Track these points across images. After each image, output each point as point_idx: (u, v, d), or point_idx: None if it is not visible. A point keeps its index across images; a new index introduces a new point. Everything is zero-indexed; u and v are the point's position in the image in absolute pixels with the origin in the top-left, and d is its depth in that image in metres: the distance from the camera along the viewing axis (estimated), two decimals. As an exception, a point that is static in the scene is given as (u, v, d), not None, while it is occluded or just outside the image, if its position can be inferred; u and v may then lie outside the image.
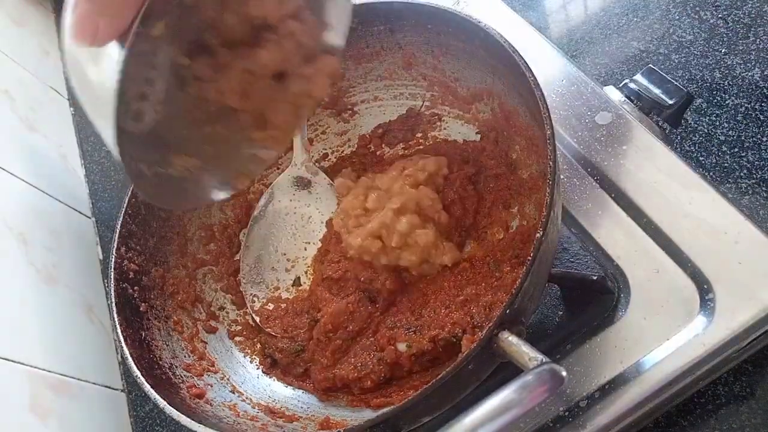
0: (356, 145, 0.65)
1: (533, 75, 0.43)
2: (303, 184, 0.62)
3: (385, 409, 0.40)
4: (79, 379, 0.64)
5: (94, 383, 0.66)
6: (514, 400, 0.23)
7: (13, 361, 0.57)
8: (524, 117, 0.49)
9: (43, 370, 0.60)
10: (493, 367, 0.39)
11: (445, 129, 0.59)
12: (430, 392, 0.37)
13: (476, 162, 0.56)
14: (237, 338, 0.59)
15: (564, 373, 0.24)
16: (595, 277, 0.49)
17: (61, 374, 0.62)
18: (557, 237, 0.44)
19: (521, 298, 0.37)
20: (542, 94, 0.42)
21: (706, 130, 0.58)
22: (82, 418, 0.61)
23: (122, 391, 0.69)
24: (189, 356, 0.54)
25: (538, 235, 0.37)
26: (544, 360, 0.32)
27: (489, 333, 0.36)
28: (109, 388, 0.68)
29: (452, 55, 0.54)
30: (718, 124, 0.57)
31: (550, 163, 0.39)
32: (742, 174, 0.54)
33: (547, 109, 0.41)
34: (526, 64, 0.43)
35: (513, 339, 0.35)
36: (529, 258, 0.37)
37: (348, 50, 0.59)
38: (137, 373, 0.45)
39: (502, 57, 0.46)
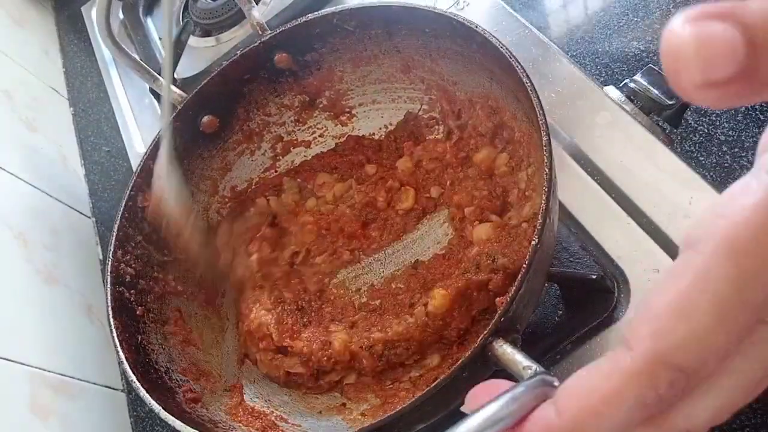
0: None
1: (530, 81, 0.42)
2: None
3: (379, 417, 0.40)
4: (79, 379, 0.64)
5: (94, 383, 0.66)
6: (504, 412, 0.23)
7: (13, 361, 0.57)
8: (522, 122, 0.49)
9: (43, 370, 0.60)
10: (489, 373, 0.38)
11: (443, 133, 0.59)
12: (425, 399, 0.37)
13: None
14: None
15: (557, 384, 0.24)
16: (594, 277, 0.49)
17: (61, 374, 0.62)
18: (554, 244, 0.44)
19: (516, 306, 0.36)
20: (539, 100, 0.41)
21: (706, 130, 0.57)
22: (82, 418, 0.61)
23: (122, 391, 0.69)
24: (185, 360, 0.54)
25: (533, 243, 0.37)
26: (537, 370, 0.32)
27: (483, 341, 0.36)
28: (109, 388, 0.68)
29: (450, 59, 0.54)
30: (718, 124, 0.57)
31: (546, 170, 0.39)
32: (742, 174, 0.54)
33: (544, 116, 0.40)
34: (524, 69, 0.43)
35: (507, 347, 0.35)
36: (524, 266, 0.37)
37: (346, 53, 0.59)
38: (132, 377, 0.45)
39: (499, 62, 0.45)
